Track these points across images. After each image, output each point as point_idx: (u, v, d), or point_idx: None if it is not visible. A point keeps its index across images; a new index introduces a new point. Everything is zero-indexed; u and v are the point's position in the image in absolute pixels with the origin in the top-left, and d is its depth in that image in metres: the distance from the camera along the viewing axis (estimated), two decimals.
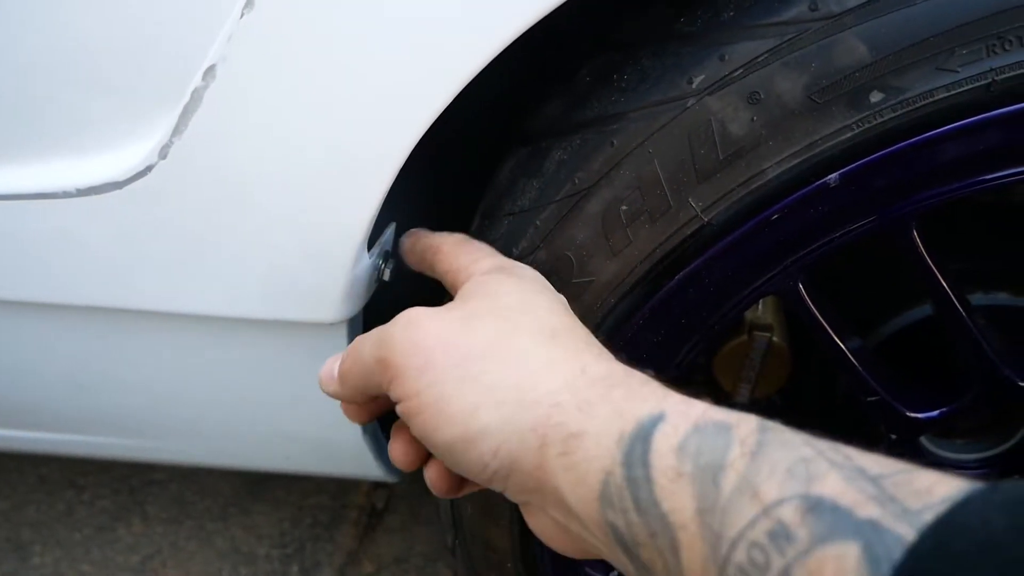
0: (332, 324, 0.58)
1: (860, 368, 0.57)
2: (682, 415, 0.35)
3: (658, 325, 0.51)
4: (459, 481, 0.45)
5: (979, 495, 0.27)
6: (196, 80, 0.47)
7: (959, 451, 0.72)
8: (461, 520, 0.66)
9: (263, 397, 0.70)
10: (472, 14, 0.43)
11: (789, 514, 0.29)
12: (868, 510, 0.28)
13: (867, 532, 0.27)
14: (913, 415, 0.59)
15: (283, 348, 0.64)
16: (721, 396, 0.71)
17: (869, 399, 0.59)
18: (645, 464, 0.34)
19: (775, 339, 0.69)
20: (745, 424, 0.34)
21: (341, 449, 0.74)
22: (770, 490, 0.30)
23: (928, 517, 0.27)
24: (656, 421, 0.35)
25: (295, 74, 0.46)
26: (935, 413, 0.60)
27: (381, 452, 0.73)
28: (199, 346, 0.65)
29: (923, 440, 0.69)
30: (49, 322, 0.65)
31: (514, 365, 0.39)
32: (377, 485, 1.15)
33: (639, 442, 0.35)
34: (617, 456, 0.35)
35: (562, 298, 0.46)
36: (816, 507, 0.29)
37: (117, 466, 1.17)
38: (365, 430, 0.70)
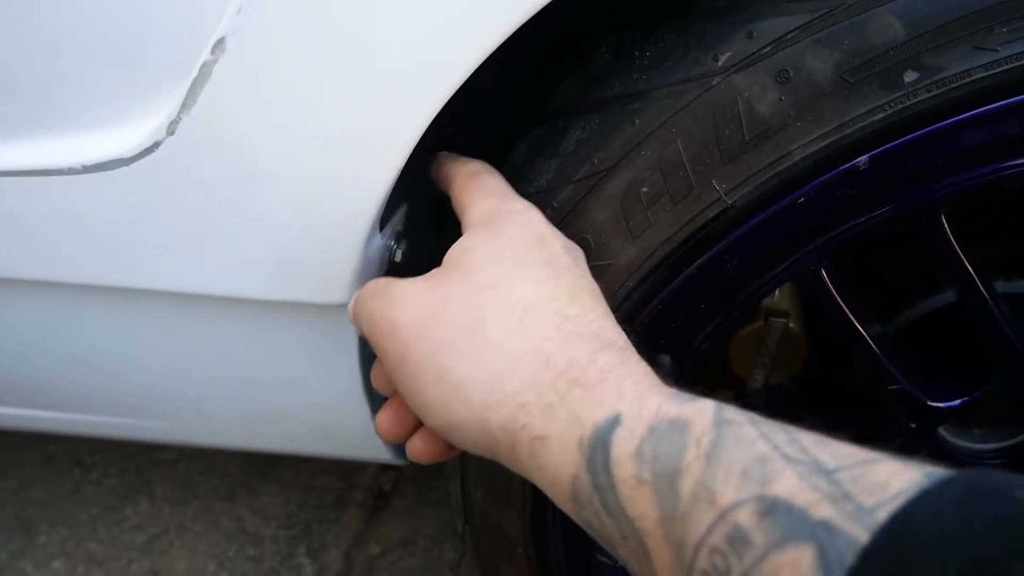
0: (342, 306, 0.57)
1: (881, 356, 0.56)
2: (637, 417, 0.35)
3: (677, 310, 0.50)
4: (447, 447, 0.46)
5: (934, 490, 0.27)
6: (205, 54, 0.46)
7: (976, 441, 0.71)
8: (472, 506, 0.65)
9: (271, 379, 0.69)
10: None
11: (745, 518, 0.29)
12: (822, 510, 0.28)
13: (821, 534, 0.27)
14: (934, 404, 0.58)
15: (292, 329, 0.63)
16: (735, 381, 0.70)
17: (889, 387, 0.58)
18: (607, 472, 0.35)
19: (791, 325, 0.68)
20: (701, 419, 0.33)
21: (349, 432, 0.73)
22: (726, 493, 0.30)
23: (882, 515, 0.26)
24: (612, 425, 0.35)
25: (307, 48, 0.44)
26: (956, 402, 0.59)
27: None
28: (206, 326, 0.64)
29: (941, 429, 0.68)
30: (54, 301, 0.64)
31: (479, 363, 0.39)
32: (384, 467, 1.14)
33: (599, 449, 0.35)
34: (581, 462, 0.36)
35: (554, 244, 0.44)
36: (771, 509, 0.29)
37: (124, 446, 1.17)
38: (373, 411, 0.69)
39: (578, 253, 0.46)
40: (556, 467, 0.37)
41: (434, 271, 0.43)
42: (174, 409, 0.76)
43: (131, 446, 1.17)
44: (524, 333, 0.39)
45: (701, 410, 0.34)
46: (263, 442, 0.80)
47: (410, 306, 0.41)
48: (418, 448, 0.45)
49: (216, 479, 1.14)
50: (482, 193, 0.47)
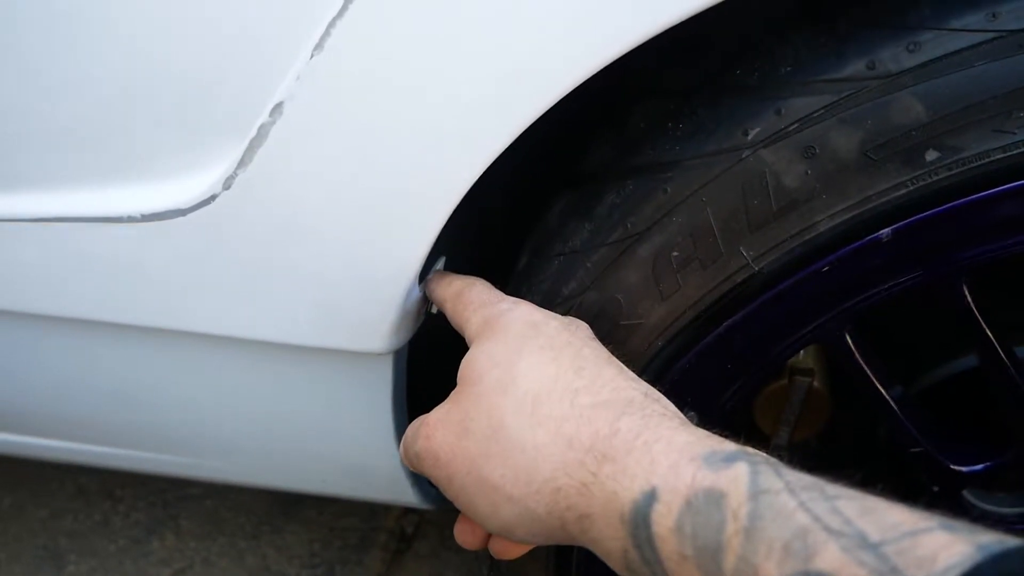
0: (380, 354, 0.59)
1: (903, 419, 0.57)
2: (672, 491, 0.35)
3: (704, 369, 0.52)
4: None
5: (987, 564, 0.26)
6: (263, 116, 0.49)
7: (1001, 505, 0.71)
8: None
9: (305, 421, 0.71)
10: (536, 61, 0.44)
11: None
12: None
13: None
14: (957, 468, 0.59)
15: (328, 374, 0.65)
16: (760, 438, 0.71)
17: (912, 450, 0.58)
18: (652, 547, 0.35)
19: (815, 384, 0.69)
20: (736, 489, 0.33)
21: (378, 475, 0.75)
22: (769, 569, 0.30)
23: None
24: (649, 500, 0.35)
25: (359, 114, 0.47)
26: (979, 467, 0.59)
27: (417, 479, 0.74)
28: (246, 369, 0.67)
29: (965, 493, 0.68)
30: (100, 339, 0.67)
31: (509, 463, 0.41)
32: (408, 510, 1.15)
33: (640, 525, 0.36)
34: (627, 537, 0.36)
35: (548, 327, 0.45)
36: None
37: (153, 479, 1.19)
38: None
39: (577, 326, 0.47)
40: (606, 541, 0.38)
41: (452, 393, 0.46)
42: (211, 447, 0.78)
43: (159, 480, 1.19)
44: (540, 421, 0.40)
45: (735, 479, 0.34)
46: (294, 481, 0.82)
47: (440, 434, 0.44)
48: (498, 547, 0.47)
49: (242, 516, 1.16)
50: (471, 308, 0.49)
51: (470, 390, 0.44)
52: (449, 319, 0.52)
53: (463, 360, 0.46)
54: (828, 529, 0.30)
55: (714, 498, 0.34)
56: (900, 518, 0.29)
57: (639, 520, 0.36)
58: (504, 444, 0.41)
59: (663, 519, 0.35)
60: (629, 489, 0.36)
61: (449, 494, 0.44)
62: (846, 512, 0.30)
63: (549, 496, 0.39)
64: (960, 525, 0.29)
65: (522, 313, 0.46)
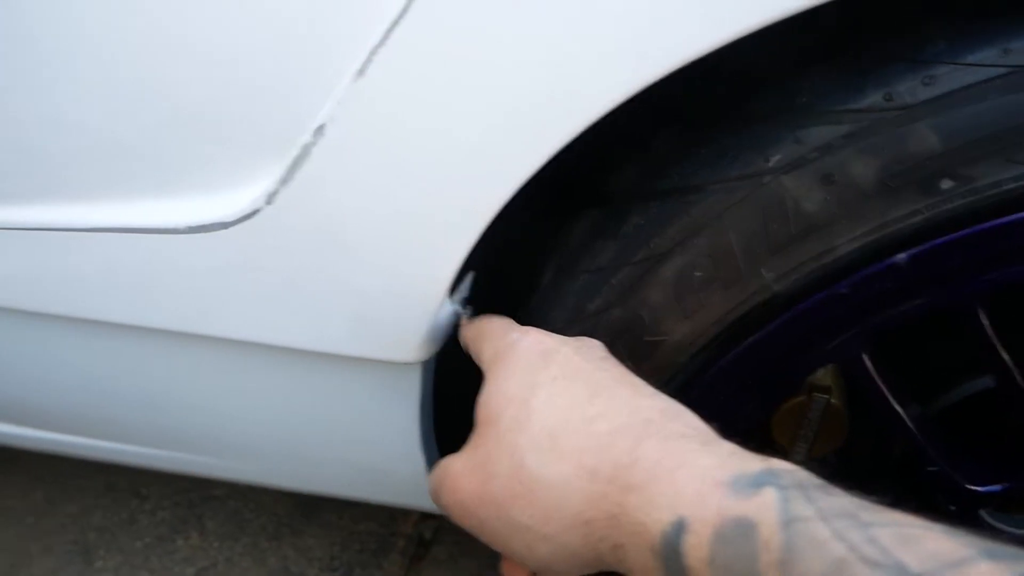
0: (411, 364, 0.61)
1: (920, 438, 0.58)
2: (700, 520, 0.34)
3: (725, 385, 0.54)
4: None
5: None
6: (306, 136, 0.51)
7: (1021, 526, 0.71)
8: None
9: (335, 426, 0.73)
10: (570, 88, 0.46)
11: None
12: None
13: None
14: (973, 488, 0.60)
15: (358, 381, 0.67)
16: (779, 452, 0.72)
17: (928, 469, 0.59)
18: None
19: (833, 401, 0.70)
20: (766, 518, 0.32)
21: (402, 480, 0.76)
22: None
23: None
24: (679, 531, 0.35)
25: (398, 136, 0.50)
26: (996, 488, 0.60)
27: None
28: (279, 374, 0.69)
29: (983, 513, 0.69)
30: (140, 343, 0.69)
31: (535, 502, 0.40)
32: (426, 515, 1.17)
33: (672, 557, 0.35)
34: (660, 569, 0.36)
35: (559, 354, 0.44)
36: None
37: (178, 479, 1.21)
38: (428, 463, 0.72)
39: (589, 348, 0.46)
40: (643, 572, 0.37)
41: (471, 436, 0.46)
42: (239, 448, 0.80)
43: (184, 480, 1.21)
44: (560, 456, 0.40)
45: (764, 507, 0.33)
46: (321, 484, 0.84)
47: (465, 483, 0.44)
48: None
49: (264, 517, 1.18)
50: (487, 342, 0.49)
51: (488, 431, 0.44)
52: (473, 359, 0.52)
53: (479, 399, 0.46)
54: (865, 559, 0.29)
55: (744, 528, 0.33)
56: (939, 547, 0.29)
57: (670, 552, 0.35)
58: (528, 484, 0.40)
59: (695, 551, 0.34)
60: (657, 520, 0.36)
61: (484, 539, 0.44)
62: (883, 541, 0.29)
63: (581, 530, 0.39)
64: (1004, 551, 0.28)
65: (532, 342, 0.46)
